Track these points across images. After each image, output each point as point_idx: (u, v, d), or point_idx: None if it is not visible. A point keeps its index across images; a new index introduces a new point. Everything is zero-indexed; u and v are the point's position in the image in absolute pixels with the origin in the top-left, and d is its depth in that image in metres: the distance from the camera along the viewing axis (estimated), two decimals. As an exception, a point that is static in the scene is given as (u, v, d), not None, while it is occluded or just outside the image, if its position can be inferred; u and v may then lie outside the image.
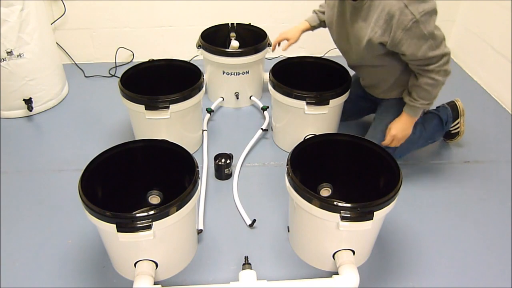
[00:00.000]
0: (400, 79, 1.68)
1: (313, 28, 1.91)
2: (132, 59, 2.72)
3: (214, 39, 2.25)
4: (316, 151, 1.48)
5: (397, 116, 1.67)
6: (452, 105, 1.89)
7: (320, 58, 2.02)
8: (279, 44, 1.94)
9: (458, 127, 1.89)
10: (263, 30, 2.29)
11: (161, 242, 1.25)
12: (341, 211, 1.19)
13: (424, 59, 1.48)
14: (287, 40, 1.90)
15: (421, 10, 1.39)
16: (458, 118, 1.88)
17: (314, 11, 1.90)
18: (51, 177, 1.79)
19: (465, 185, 1.76)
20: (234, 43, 2.30)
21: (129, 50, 2.70)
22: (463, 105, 1.89)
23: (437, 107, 1.88)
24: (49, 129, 2.11)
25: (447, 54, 1.50)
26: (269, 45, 2.22)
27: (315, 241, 1.36)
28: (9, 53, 1.99)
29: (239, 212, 1.61)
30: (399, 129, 1.64)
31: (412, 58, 1.50)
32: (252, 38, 2.28)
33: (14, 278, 1.37)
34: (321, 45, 1.96)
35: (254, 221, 1.55)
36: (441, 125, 1.82)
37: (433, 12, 1.43)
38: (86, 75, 2.57)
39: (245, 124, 2.14)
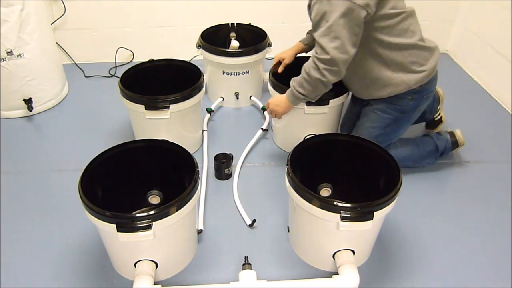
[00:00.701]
0: (363, 78, 1.64)
1: (307, 47, 1.89)
2: (132, 59, 2.72)
3: (214, 39, 2.25)
4: (316, 151, 1.48)
5: (376, 122, 1.67)
6: (453, 141, 1.82)
7: (320, 58, 2.02)
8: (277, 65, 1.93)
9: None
10: (263, 30, 2.29)
11: (161, 242, 1.25)
12: (341, 211, 1.19)
13: (316, 41, 1.46)
14: (282, 60, 1.89)
15: None
16: (457, 147, 1.84)
17: (308, 32, 1.91)
18: (51, 177, 1.79)
19: (465, 185, 1.76)
20: (234, 43, 2.30)
21: (129, 50, 2.70)
22: (463, 137, 1.83)
23: (438, 134, 1.83)
24: (49, 129, 2.11)
25: (335, 59, 1.43)
26: (269, 45, 2.22)
27: (315, 241, 1.36)
28: (9, 53, 1.99)
29: (239, 212, 1.61)
30: (273, 101, 1.71)
31: (313, 31, 1.50)
32: (252, 38, 2.28)
33: (14, 278, 1.37)
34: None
35: (254, 221, 1.55)
36: (435, 154, 1.79)
37: (345, 4, 1.36)
38: (86, 75, 2.57)
39: (245, 124, 2.14)
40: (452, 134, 1.84)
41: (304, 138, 1.48)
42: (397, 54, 1.55)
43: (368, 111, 1.71)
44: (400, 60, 1.56)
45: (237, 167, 1.81)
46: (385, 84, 1.61)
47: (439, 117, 1.96)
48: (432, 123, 1.99)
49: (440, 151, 1.79)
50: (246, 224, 1.55)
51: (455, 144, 1.83)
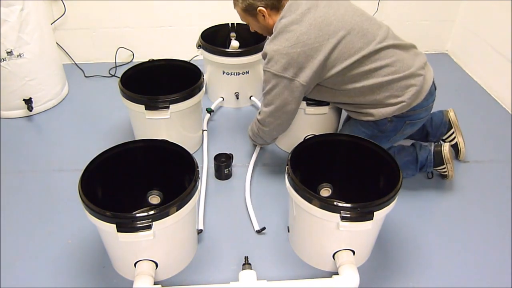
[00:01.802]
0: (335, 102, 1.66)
1: None
2: (132, 59, 2.72)
3: (214, 39, 2.25)
4: (316, 151, 1.48)
5: (355, 132, 1.63)
6: (438, 151, 1.67)
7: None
8: None
9: (446, 172, 1.71)
10: (263, 30, 2.28)
11: (161, 242, 1.25)
12: (341, 211, 1.19)
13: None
14: None
15: (272, 48, 1.47)
16: (442, 164, 1.68)
17: None
18: (51, 177, 1.79)
19: (465, 185, 1.76)
20: (234, 43, 2.30)
21: (129, 50, 2.70)
22: (450, 152, 1.68)
23: (421, 146, 1.70)
24: (49, 129, 2.11)
25: (264, 120, 1.61)
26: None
27: (315, 241, 1.36)
28: (9, 53, 1.99)
29: (249, 217, 1.59)
30: None
31: None
32: (252, 38, 2.27)
33: (14, 278, 1.37)
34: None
35: (263, 228, 1.53)
36: (414, 165, 1.67)
37: (282, 55, 1.44)
38: (86, 75, 2.57)
39: (245, 124, 2.13)
40: (437, 145, 1.69)
41: (304, 138, 1.48)
42: (366, 97, 1.52)
43: (352, 120, 1.69)
44: (370, 100, 1.52)
45: (249, 167, 1.80)
46: (364, 115, 1.60)
47: (453, 142, 1.83)
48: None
49: (421, 163, 1.66)
50: (254, 229, 1.55)
51: (439, 155, 1.67)
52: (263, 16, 1.57)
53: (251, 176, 1.79)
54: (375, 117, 1.56)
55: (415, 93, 1.50)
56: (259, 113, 1.64)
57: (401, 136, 1.64)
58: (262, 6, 1.54)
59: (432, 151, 1.67)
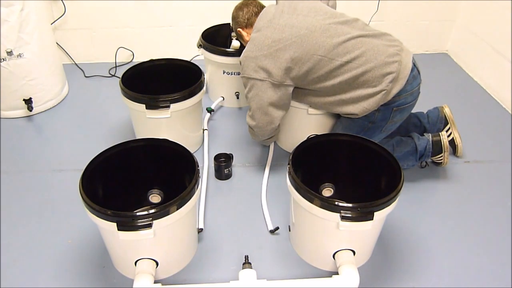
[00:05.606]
0: (317, 101, 1.67)
1: None
2: (132, 59, 2.72)
3: (215, 38, 2.25)
4: (318, 151, 1.48)
5: (347, 127, 1.67)
6: (436, 140, 1.71)
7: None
8: None
9: (441, 160, 1.76)
10: (263, 30, 2.28)
11: (161, 240, 1.25)
12: (342, 211, 1.19)
13: None
14: None
15: (243, 55, 1.59)
16: (441, 152, 1.72)
17: None
18: (51, 177, 1.79)
19: (465, 185, 1.76)
20: (235, 43, 2.29)
21: (129, 50, 2.70)
22: (447, 142, 1.73)
23: (419, 136, 1.73)
24: (49, 129, 2.11)
25: (248, 123, 1.69)
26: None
27: (316, 241, 1.36)
28: (9, 53, 1.99)
29: (264, 217, 1.59)
30: None
31: None
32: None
33: (14, 278, 1.37)
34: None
35: (277, 228, 1.53)
36: (414, 155, 1.70)
37: (251, 59, 1.54)
38: (86, 75, 2.57)
39: (245, 124, 2.13)
40: (435, 135, 1.73)
41: (307, 138, 1.48)
42: (346, 93, 1.56)
43: (343, 117, 1.70)
44: (350, 95, 1.56)
45: (266, 169, 1.80)
46: (349, 114, 1.62)
47: (450, 138, 1.83)
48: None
49: (420, 153, 1.69)
50: (268, 229, 1.55)
51: (438, 144, 1.72)
52: (244, 35, 1.72)
53: (251, 176, 1.80)
54: (358, 115, 1.59)
55: (393, 79, 1.52)
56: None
57: (392, 124, 1.65)
58: (240, 28, 1.72)
59: (431, 141, 1.71)
